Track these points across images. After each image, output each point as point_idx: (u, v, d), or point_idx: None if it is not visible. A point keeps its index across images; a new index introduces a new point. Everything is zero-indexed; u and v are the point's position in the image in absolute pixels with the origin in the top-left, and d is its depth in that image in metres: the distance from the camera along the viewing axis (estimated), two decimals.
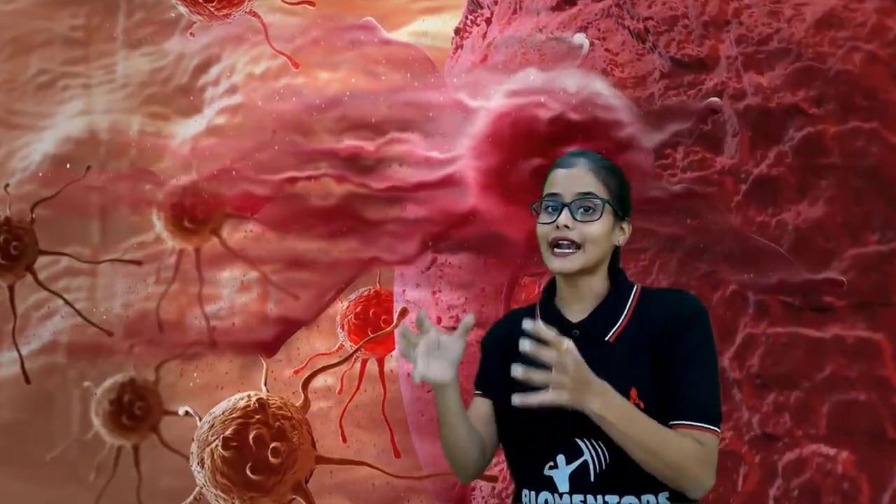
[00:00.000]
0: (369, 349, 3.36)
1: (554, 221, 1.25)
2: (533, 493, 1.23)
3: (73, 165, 3.21)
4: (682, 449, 1.14)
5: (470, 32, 3.26)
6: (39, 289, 3.27)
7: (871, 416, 2.32)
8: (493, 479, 2.76)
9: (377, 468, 2.92)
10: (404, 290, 3.19)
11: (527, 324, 1.13)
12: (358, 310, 3.40)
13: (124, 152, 3.19)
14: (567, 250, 1.25)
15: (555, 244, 1.26)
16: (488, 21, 3.22)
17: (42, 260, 3.25)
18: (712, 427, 1.18)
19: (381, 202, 2.97)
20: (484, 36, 3.17)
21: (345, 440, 3.35)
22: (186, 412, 3.04)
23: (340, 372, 3.42)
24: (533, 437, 1.24)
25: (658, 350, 1.21)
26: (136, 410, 3.25)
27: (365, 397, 3.43)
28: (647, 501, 1.18)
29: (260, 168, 3.08)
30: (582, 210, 1.25)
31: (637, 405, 1.16)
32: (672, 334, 1.21)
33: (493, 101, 2.79)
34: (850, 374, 2.35)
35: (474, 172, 2.82)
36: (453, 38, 3.36)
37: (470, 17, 3.27)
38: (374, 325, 3.34)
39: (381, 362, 3.47)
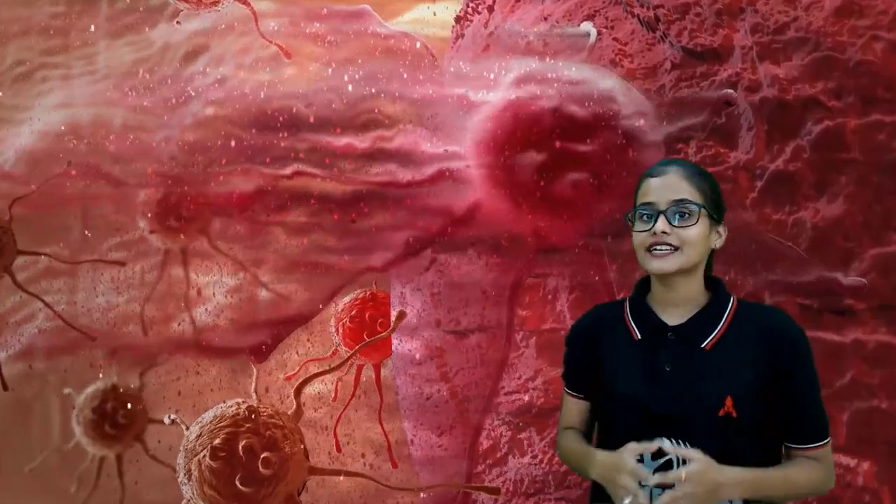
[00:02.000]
0: (365, 354, 3.35)
1: (650, 229, 1.33)
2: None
3: (52, 161, 3.19)
4: (809, 479, 1.33)
5: (471, 21, 3.26)
6: (17, 291, 3.25)
7: (893, 425, 2.32)
8: (496, 491, 2.76)
9: (373, 479, 2.91)
10: (402, 292, 3.19)
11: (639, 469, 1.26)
12: (353, 313, 3.39)
13: (106, 147, 3.17)
14: (665, 250, 1.32)
15: (653, 248, 1.33)
16: (490, 9, 3.21)
17: (20, 260, 3.24)
18: (826, 440, 1.36)
19: (377, 199, 2.96)
20: (486, 25, 3.16)
21: (339, 450, 3.35)
22: (172, 420, 3.03)
23: (335, 378, 3.42)
24: (624, 436, 1.34)
25: (764, 371, 1.31)
26: (120, 418, 3.24)
27: (360, 405, 3.42)
28: None
29: (249, 163, 3.06)
30: (678, 216, 1.34)
31: (729, 413, 1.28)
32: (780, 360, 1.31)
33: (496, 93, 2.79)
34: (872, 381, 2.35)
35: (475, 168, 2.82)
36: (453, 27, 3.35)
37: (471, 4, 3.26)
38: (370, 329, 3.34)
39: (377, 368, 3.46)
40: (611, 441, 1.39)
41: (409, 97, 2.91)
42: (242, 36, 3.14)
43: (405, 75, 2.94)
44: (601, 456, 1.33)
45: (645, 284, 1.43)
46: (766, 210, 2.49)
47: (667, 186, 1.35)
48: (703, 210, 1.34)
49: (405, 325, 3.10)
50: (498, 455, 2.87)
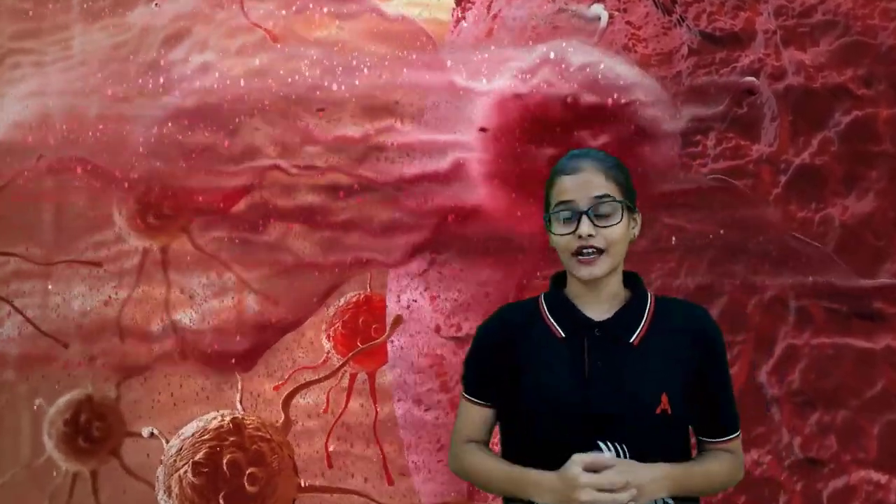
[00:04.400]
0: (359, 362, 3.34)
1: (574, 232, 1.37)
2: None
3: (22, 154, 3.19)
4: (726, 471, 1.44)
5: (473, 3, 3.25)
6: None
7: None
8: None
9: (368, 497, 2.91)
10: (399, 296, 3.18)
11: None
12: (346, 317, 3.39)
13: (82, 139, 3.17)
14: (591, 256, 1.37)
15: (578, 252, 1.37)
16: None
17: None
18: (739, 432, 1.47)
19: (373, 196, 2.96)
20: (489, 7, 3.16)
21: (331, 465, 3.34)
22: (151, 433, 3.03)
23: (326, 388, 3.41)
24: (553, 439, 1.37)
25: (690, 368, 1.39)
26: (95, 431, 3.23)
27: (354, 416, 3.41)
28: (657, 502, 1.35)
29: (235, 157, 3.06)
30: (600, 215, 1.37)
31: (665, 411, 1.34)
32: (705, 356, 1.41)
33: (499, 81, 2.78)
34: None
35: (478, 162, 2.81)
36: (454, 10, 3.35)
37: None
38: (364, 335, 3.33)
39: (371, 377, 3.45)
40: (533, 450, 1.39)
41: (406, 85, 2.91)
42: (227, 19, 3.13)
43: (402, 62, 2.93)
44: (546, 479, 1.33)
45: (560, 279, 1.47)
46: (791, 207, 2.48)
47: (584, 183, 1.38)
48: (623, 205, 1.39)
49: (402, 331, 3.09)
50: None
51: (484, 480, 1.47)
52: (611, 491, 1.28)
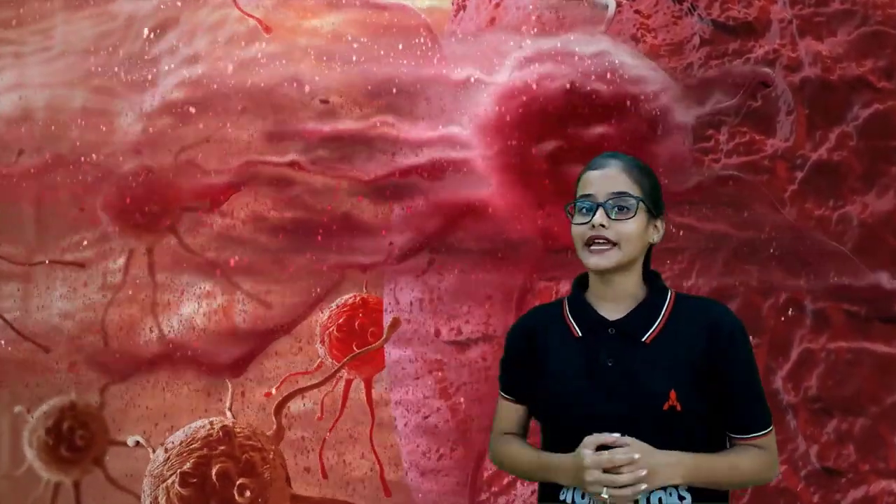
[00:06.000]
0: (354, 367, 3.34)
1: (589, 222, 1.48)
2: (569, 490, 1.48)
3: (2, 149, 3.19)
4: (754, 467, 1.49)
5: None
6: None
7: None
8: None
9: None
10: (396, 298, 3.17)
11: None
12: (341, 320, 3.39)
13: (64, 134, 3.17)
14: (603, 247, 1.47)
15: (591, 243, 1.48)
16: None
17: None
18: (769, 429, 1.51)
19: (369, 193, 2.96)
20: None
21: (325, 475, 3.34)
22: (137, 442, 3.03)
23: (321, 394, 3.41)
24: (570, 434, 1.46)
25: (702, 363, 1.46)
26: (78, 440, 3.23)
27: (349, 424, 3.41)
28: (671, 493, 1.44)
29: (225, 153, 3.06)
30: (616, 209, 1.48)
31: (674, 407, 1.41)
32: (718, 351, 1.47)
33: (502, 72, 2.78)
34: None
35: (479, 158, 2.81)
36: None
37: None
38: (360, 339, 3.34)
39: (368, 383, 3.46)
40: (556, 443, 1.50)
41: (406, 77, 2.90)
42: (217, 9, 3.13)
43: (401, 52, 2.93)
44: (563, 462, 1.46)
45: (583, 281, 1.58)
46: (808, 205, 2.48)
47: (606, 179, 1.50)
48: (641, 204, 1.48)
49: (400, 335, 3.08)
50: (504, 482, 2.86)
51: (517, 467, 1.62)
52: (618, 471, 1.36)
